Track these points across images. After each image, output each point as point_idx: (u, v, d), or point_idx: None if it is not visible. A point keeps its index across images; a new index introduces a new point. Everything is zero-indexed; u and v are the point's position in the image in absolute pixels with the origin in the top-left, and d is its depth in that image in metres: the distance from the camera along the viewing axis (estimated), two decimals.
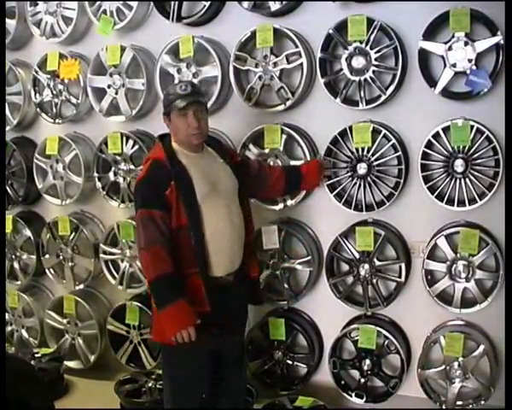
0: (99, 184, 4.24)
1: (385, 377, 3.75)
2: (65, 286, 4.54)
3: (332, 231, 3.76)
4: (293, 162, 3.76)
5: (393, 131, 3.59)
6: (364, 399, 3.75)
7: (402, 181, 3.54)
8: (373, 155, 3.58)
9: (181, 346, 2.95)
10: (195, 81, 3.87)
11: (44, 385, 3.42)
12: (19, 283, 4.72)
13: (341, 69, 3.59)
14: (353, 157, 3.62)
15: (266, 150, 3.79)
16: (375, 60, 3.51)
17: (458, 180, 3.42)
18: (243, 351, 3.34)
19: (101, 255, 4.29)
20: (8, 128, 4.57)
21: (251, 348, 3.91)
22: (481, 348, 3.48)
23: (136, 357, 4.34)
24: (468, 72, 3.33)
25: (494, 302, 3.44)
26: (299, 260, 3.84)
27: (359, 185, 3.62)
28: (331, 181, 3.67)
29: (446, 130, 3.42)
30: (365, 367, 3.76)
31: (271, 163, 3.75)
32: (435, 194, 3.47)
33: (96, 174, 4.24)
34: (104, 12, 4.12)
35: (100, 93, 4.18)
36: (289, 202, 3.79)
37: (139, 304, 4.20)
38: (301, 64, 3.65)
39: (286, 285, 3.87)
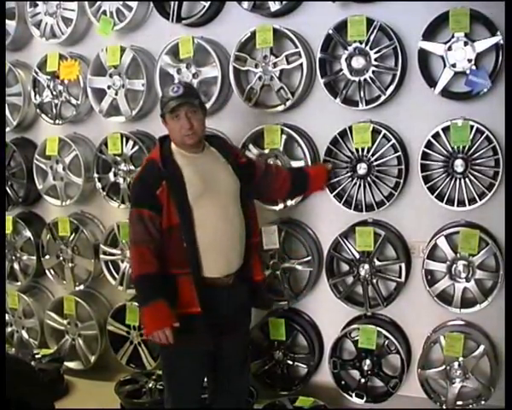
0: (99, 185, 4.24)
1: (385, 377, 3.75)
2: (65, 287, 4.54)
3: (332, 232, 3.76)
4: (293, 163, 3.76)
5: (393, 132, 3.59)
6: (364, 399, 3.75)
7: (402, 181, 3.54)
8: (373, 155, 3.58)
9: (177, 346, 2.98)
10: (195, 81, 3.88)
11: (45, 386, 3.42)
12: (19, 284, 4.72)
13: (341, 69, 3.59)
14: (353, 157, 3.63)
15: (266, 151, 3.79)
16: (375, 60, 3.51)
17: (458, 180, 3.42)
18: (245, 352, 3.32)
19: (102, 256, 4.29)
20: (8, 129, 4.57)
21: (251, 348, 3.89)
22: (481, 348, 3.48)
23: (136, 357, 4.34)
24: (467, 72, 3.33)
25: (494, 302, 3.44)
26: (300, 260, 3.84)
27: (359, 185, 3.63)
28: (331, 181, 3.67)
29: (446, 130, 3.42)
30: (365, 367, 3.76)
31: (271, 163, 3.75)
32: (435, 194, 3.47)
33: (96, 175, 4.24)
34: (104, 13, 4.12)
35: (100, 94, 4.19)
36: (289, 203, 3.79)
37: None
38: (301, 64, 3.65)
39: (286, 285, 3.87)
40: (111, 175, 4.21)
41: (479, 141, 3.38)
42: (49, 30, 4.34)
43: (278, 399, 3.88)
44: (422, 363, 3.62)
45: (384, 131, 3.54)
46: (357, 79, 3.56)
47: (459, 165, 3.41)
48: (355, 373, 3.84)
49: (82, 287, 4.47)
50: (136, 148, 4.08)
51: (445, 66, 3.38)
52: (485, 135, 3.36)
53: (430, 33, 3.40)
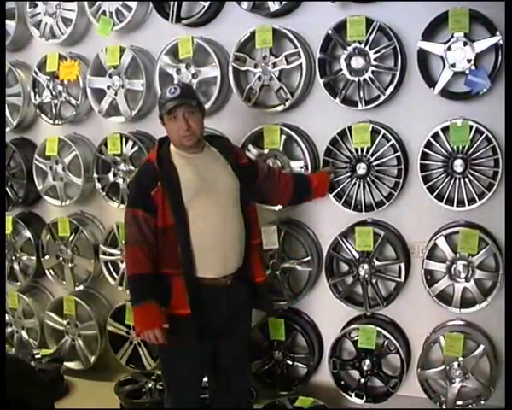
0: (99, 185, 4.25)
1: (385, 377, 3.75)
2: (65, 287, 4.55)
3: (331, 232, 3.76)
4: (292, 163, 3.76)
5: (393, 132, 3.59)
6: (364, 399, 3.75)
7: (401, 181, 3.54)
8: (372, 155, 3.58)
9: (169, 346, 3.01)
10: (195, 82, 3.88)
11: (44, 386, 3.42)
12: (19, 284, 4.72)
13: (340, 69, 3.59)
14: (353, 157, 3.63)
15: (266, 151, 3.79)
16: (375, 60, 3.51)
17: (458, 180, 3.43)
18: (245, 353, 3.31)
19: (101, 256, 4.30)
20: (7, 129, 4.57)
21: (251, 348, 3.91)
22: (481, 347, 3.48)
23: (136, 358, 4.35)
24: (467, 72, 3.33)
25: (494, 302, 3.44)
26: (299, 260, 3.84)
27: (359, 185, 3.63)
28: (330, 181, 3.67)
29: (446, 130, 3.42)
30: (365, 367, 3.76)
31: (271, 163, 3.75)
32: (435, 194, 3.47)
33: (95, 175, 4.24)
34: (103, 13, 4.12)
35: (99, 94, 4.19)
36: (288, 206, 3.78)
37: None
38: (300, 64, 3.65)
39: (285, 285, 3.87)
40: (110, 175, 4.21)
41: (478, 141, 3.38)
42: (48, 30, 4.34)
43: (278, 399, 3.88)
44: (422, 363, 3.62)
45: (383, 131, 3.54)
46: (356, 79, 3.56)
47: (458, 165, 3.41)
48: (355, 373, 3.84)
49: (82, 287, 4.47)
50: (136, 148, 4.09)
51: (444, 66, 3.38)
52: (484, 135, 3.36)
53: (429, 33, 3.40)
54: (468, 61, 3.32)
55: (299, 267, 3.85)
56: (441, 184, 3.46)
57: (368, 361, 3.75)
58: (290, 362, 3.98)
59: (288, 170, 3.74)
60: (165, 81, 3.94)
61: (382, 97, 3.51)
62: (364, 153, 3.59)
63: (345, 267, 3.79)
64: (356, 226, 3.66)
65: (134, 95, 4.12)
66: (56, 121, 4.40)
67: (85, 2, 4.17)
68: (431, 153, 3.47)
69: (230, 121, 3.97)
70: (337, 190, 3.67)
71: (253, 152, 3.80)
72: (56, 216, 4.47)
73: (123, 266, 4.22)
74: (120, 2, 4.08)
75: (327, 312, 3.92)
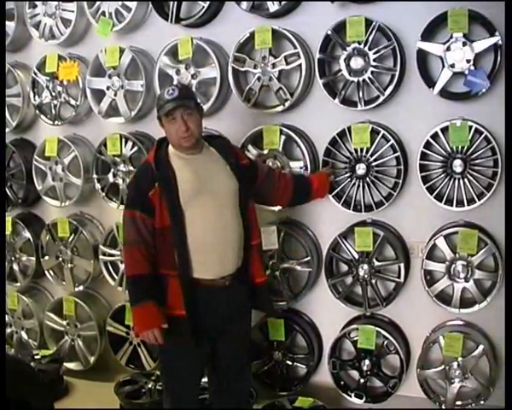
0: (98, 186, 4.25)
1: (384, 377, 3.76)
2: (64, 288, 4.55)
3: (331, 232, 3.76)
4: (292, 163, 3.76)
5: (392, 132, 3.60)
6: (364, 399, 3.75)
7: (401, 181, 3.54)
8: (372, 155, 3.59)
9: (167, 346, 3.02)
10: (194, 82, 3.88)
11: (44, 386, 3.42)
12: (18, 284, 4.72)
13: (340, 70, 3.59)
14: (352, 158, 3.63)
15: (265, 151, 3.79)
16: (374, 60, 3.51)
17: (457, 180, 3.43)
18: (245, 353, 3.31)
19: (101, 257, 4.30)
20: (7, 130, 4.57)
21: (251, 348, 3.91)
22: (480, 347, 3.48)
23: (135, 358, 4.34)
24: (466, 72, 3.34)
25: (493, 302, 3.44)
26: (299, 260, 3.84)
27: (358, 186, 3.63)
28: (330, 182, 3.67)
29: (445, 130, 3.42)
30: (365, 368, 3.76)
31: (270, 164, 3.75)
32: (434, 194, 3.47)
33: (95, 176, 4.24)
34: (103, 14, 4.12)
35: (99, 95, 4.19)
36: (287, 207, 3.78)
37: None
38: (300, 65, 3.65)
39: (285, 286, 3.87)
40: (110, 176, 4.21)
41: (477, 141, 3.38)
42: (48, 31, 4.34)
43: (277, 399, 3.88)
44: (422, 363, 3.62)
45: (383, 131, 3.54)
46: (355, 79, 3.56)
47: (458, 165, 3.41)
48: (354, 373, 3.84)
49: (81, 288, 4.47)
50: (136, 149, 4.09)
51: (443, 66, 3.38)
52: (483, 135, 3.36)
53: (429, 34, 3.40)
54: (468, 61, 3.33)
55: (298, 268, 3.85)
56: (440, 185, 3.47)
57: (367, 361, 3.75)
58: (290, 362, 3.98)
59: (288, 170, 3.74)
60: (165, 82, 3.94)
61: (382, 98, 3.52)
62: (364, 153, 3.59)
63: (344, 268, 3.79)
64: (355, 227, 3.66)
65: (133, 95, 4.13)
66: (56, 122, 4.40)
67: (85, 3, 4.17)
68: (430, 153, 3.47)
69: (230, 122, 3.97)
70: (337, 191, 3.67)
71: (252, 152, 3.80)
72: (56, 217, 4.47)
73: (122, 266, 4.21)
74: (120, 3, 4.08)
75: (326, 312, 3.92)
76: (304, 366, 3.97)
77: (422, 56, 3.44)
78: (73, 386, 4.47)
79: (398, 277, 3.63)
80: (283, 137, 3.75)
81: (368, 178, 3.61)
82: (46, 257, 4.53)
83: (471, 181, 3.40)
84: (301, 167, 3.74)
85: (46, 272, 4.57)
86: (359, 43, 3.51)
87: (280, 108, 3.75)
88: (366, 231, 3.61)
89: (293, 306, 3.97)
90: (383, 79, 3.57)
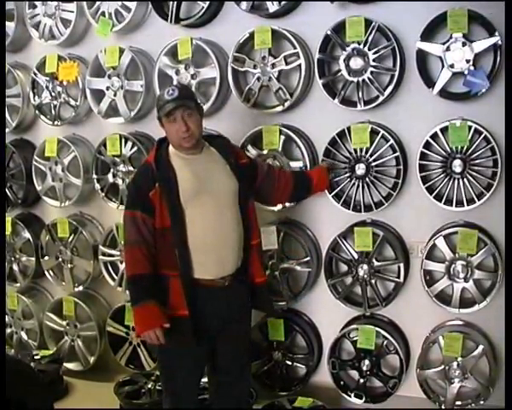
0: (98, 186, 4.25)
1: (384, 377, 3.76)
2: (64, 288, 4.54)
3: (331, 232, 3.76)
4: (292, 163, 3.76)
5: (392, 132, 3.60)
6: (363, 399, 3.75)
7: (400, 181, 3.54)
8: (371, 155, 3.59)
9: (168, 346, 3.01)
10: (194, 82, 3.88)
11: (44, 386, 3.42)
12: (18, 285, 4.72)
13: (339, 70, 3.59)
14: (352, 158, 3.63)
15: (265, 151, 3.79)
16: (373, 61, 3.52)
17: (456, 180, 3.43)
18: (245, 353, 3.31)
19: (101, 257, 4.30)
20: (7, 130, 4.57)
21: (250, 348, 3.91)
22: (480, 347, 3.48)
23: (135, 358, 4.34)
24: (465, 72, 3.34)
25: (493, 302, 3.44)
26: (298, 260, 3.84)
27: (358, 186, 3.63)
28: (330, 181, 3.67)
29: (444, 130, 3.42)
30: (364, 368, 3.76)
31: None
32: (433, 194, 3.47)
33: (94, 176, 4.24)
34: (103, 14, 4.12)
35: (98, 95, 4.19)
36: (288, 203, 3.79)
37: None
38: (299, 65, 3.66)
39: (285, 286, 3.87)
40: (110, 176, 4.21)
41: (477, 141, 3.39)
42: (47, 31, 4.34)
43: (277, 399, 3.88)
44: (421, 363, 3.62)
45: (382, 131, 3.54)
46: (355, 79, 3.56)
47: (457, 165, 3.41)
48: (354, 373, 3.84)
49: (81, 288, 4.47)
50: (135, 149, 4.08)
51: (443, 66, 3.38)
52: (483, 135, 3.36)
53: (428, 34, 3.40)
54: (467, 61, 3.33)
55: (298, 268, 3.85)
56: (440, 185, 3.47)
57: (367, 361, 3.75)
58: (289, 362, 3.98)
59: (288, 170, 3.74)
60: (165, 82, 3.94)
61: (381, 98, 3.52)
62: (363, 153, 3.59)
63: (344, 268, 3.79)
64: (355, 227, 3.66)
65: (133, 96, 4.13)
66: (56, 122, 4.40)
67: (84, 3, 4.17)
68: (430, 153, 3.47)
69: (229, 122, 3.97)
70: (336, 191, 3.67)
71: (252, 152, 3.80)
72: (56, 217, 4.47)
73: (122, 266, 4.22)
74: (119, 3, 4.08)
75: (326, 312, 3.92)
76: (303, 366, 3.97)
77: (422, 56, 3.44)
78: (73, 386, 4.47)
79: (398, 277, 3.63)
80: (283, 138, 3.76)
81: (367, 179, 3.61)
82: (46, 257, 4.53)
83: (471, 181, 3.40)
84: (301, 168, 3.74)
85: (46, 273, 4.57)
86: (359, 43, 3.51)
87: (279, 109, 3.75)
88: (366, 231, 3.61)
89: (292, 306, 3.97)
90: (383, 79, 3.57)
